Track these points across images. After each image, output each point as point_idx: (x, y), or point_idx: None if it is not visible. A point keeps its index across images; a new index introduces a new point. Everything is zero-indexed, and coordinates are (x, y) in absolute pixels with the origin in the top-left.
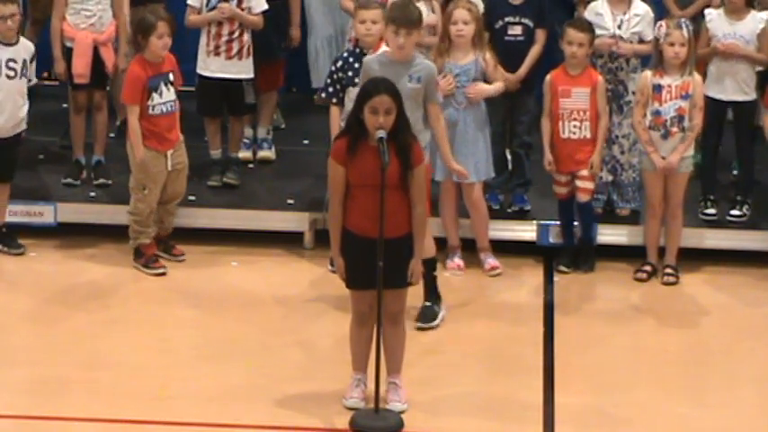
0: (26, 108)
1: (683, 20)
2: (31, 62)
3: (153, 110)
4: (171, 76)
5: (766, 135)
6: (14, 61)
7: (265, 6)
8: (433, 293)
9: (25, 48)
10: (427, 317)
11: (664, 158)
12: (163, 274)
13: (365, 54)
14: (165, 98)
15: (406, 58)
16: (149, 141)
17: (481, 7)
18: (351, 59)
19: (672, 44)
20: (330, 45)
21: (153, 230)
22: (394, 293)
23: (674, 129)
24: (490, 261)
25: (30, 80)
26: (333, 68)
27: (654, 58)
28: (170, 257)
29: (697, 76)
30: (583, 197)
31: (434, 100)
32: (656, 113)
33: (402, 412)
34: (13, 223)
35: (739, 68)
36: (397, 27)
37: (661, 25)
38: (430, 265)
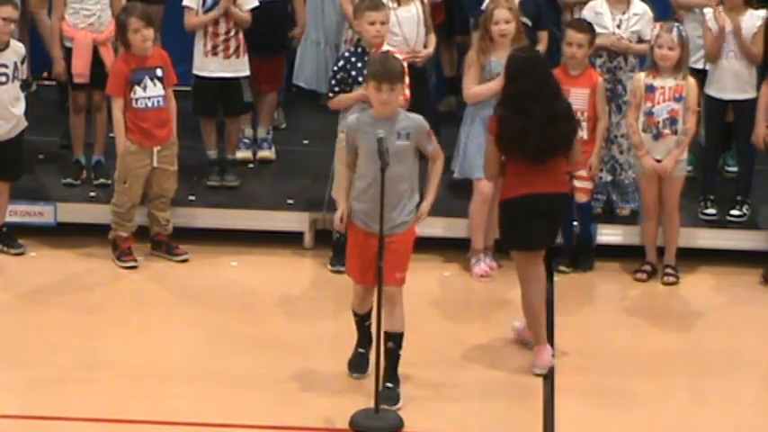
0: (22, 105)
1: (676, 24)
2: (22, 63)
3: (136, 103)
4: (159, 72)
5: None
6: (5, 66)
7: (255, 4)
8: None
9: (15, 51)
10: (391, 399)
11: (658, 161)
12: (133, 267)
13: (368, 53)
14: (150, 93)
15: (390, 115)
16: (134, 135)
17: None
18: (353, 59)
19: (660, 47)
20: (317, 47)
21: (133, 225)
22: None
23: (666, 131)
24: (490, 262)
25: (22, 80)
26: (335, 68)
27: (649, 60)
28: (172, 258)
29: (691, 80)
30: (581, 197)
31: (426, 150)
32: (649, 114)
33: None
34: (12, 223)
35: (739, 67)
36: (378, 83)
37: (655, 26)
38: (397, 342)
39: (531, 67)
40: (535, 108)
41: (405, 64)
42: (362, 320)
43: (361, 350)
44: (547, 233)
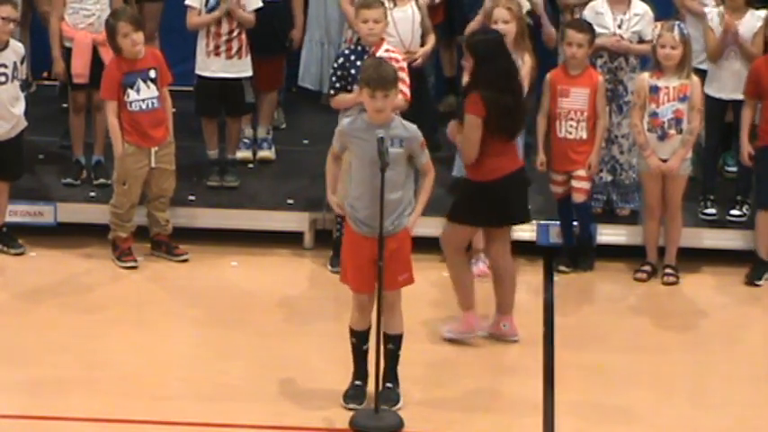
0: (22, 106)
1: (677, 22)
2: (21, 63)
3: (131, 106)
4: (152, 74)
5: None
6: (5, 66)
7: (259, 4)
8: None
9: (15, 50)
10: (391, 399)
11: (664, 161)
12: (133, 267)
13: (366, 51)
14: (144, 95)
15: (385, 121)
16: (130, 136)
17: (525, 6)
18: (352, 57)
19: (663, 46)
20: (321, 47)
21: (132, 225)
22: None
23: (672, 131)
24: (481, 266)
25: (22, 80)
26: (335, 66)
27: (652, 60)
28: (172, 258)
29: (695, 79)
30: (578, 197)
31: (421, 162)
32: (654, 115)
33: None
34: (13, 223)
35: (739, 67)
36: (373, 90)
37: (656, 26)
38: (396, 344)
39: (502, 47)
40: (515, 86)
41: (405, 65)
42: (361, 343)
43: (357, 383)
44: (526, 203)
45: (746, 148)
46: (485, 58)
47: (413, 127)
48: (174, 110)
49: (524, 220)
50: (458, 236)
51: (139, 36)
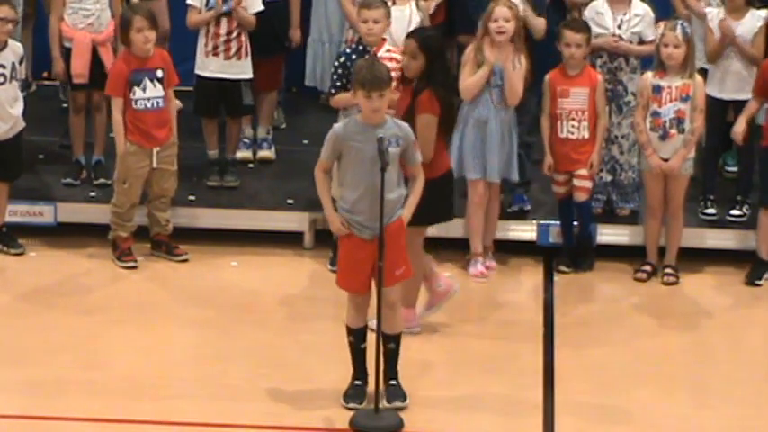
0: (20, 106)
1: (680, 21)
2: (20, 64)
3: (136, 104)
4: (159, 73)
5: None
6: (3, 66)
7: (261, 7)
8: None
9: (13, 51)
10: (399, 396)
11: (666, 160)
12: (133, 267)
13: (368, 51)
14: (150, 94)
15: (380, 121)
16: (133, 135)
17: (522, 8)
18: (353, 56)
19: (666, 45)
20: (322, 46)
21: (133, 225)
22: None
23: (673, 131)
24: (488, 262)
25: (22, 80)
26: (336, 65)
27: (656, 59)
28: (172, 258)
29: (698, 79)
30: (580, 196)
31: (415, 161)
32: (655, 115)
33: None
34: (12, 223)
35: (739, 67)
36: (368, 90)
37: (659, 26)
38: (397, 342)
39: (444, 44)
40: (455, 82)
41: None
42: (358, 342)
43: (357, 382)
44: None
45: (742, 125)
46: (437, 55)
47: (405, 125)
48: None
49: (453, 215)
50: (416, 238)
51: (152, 34)
